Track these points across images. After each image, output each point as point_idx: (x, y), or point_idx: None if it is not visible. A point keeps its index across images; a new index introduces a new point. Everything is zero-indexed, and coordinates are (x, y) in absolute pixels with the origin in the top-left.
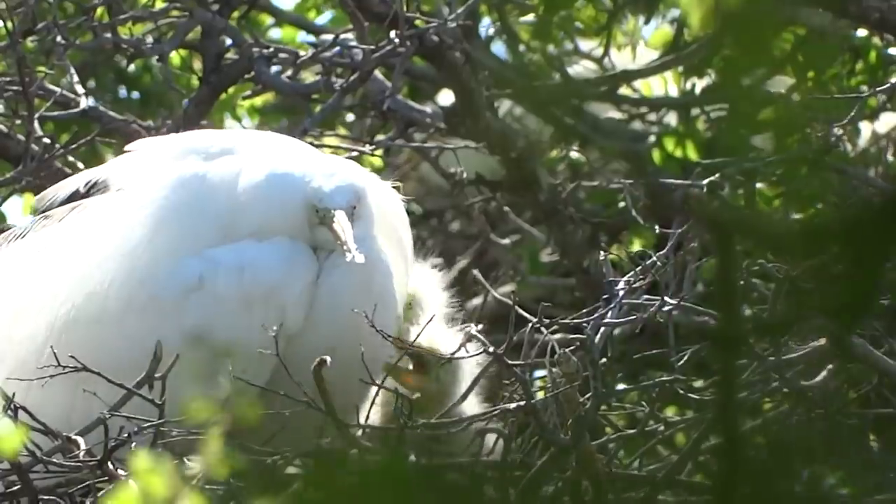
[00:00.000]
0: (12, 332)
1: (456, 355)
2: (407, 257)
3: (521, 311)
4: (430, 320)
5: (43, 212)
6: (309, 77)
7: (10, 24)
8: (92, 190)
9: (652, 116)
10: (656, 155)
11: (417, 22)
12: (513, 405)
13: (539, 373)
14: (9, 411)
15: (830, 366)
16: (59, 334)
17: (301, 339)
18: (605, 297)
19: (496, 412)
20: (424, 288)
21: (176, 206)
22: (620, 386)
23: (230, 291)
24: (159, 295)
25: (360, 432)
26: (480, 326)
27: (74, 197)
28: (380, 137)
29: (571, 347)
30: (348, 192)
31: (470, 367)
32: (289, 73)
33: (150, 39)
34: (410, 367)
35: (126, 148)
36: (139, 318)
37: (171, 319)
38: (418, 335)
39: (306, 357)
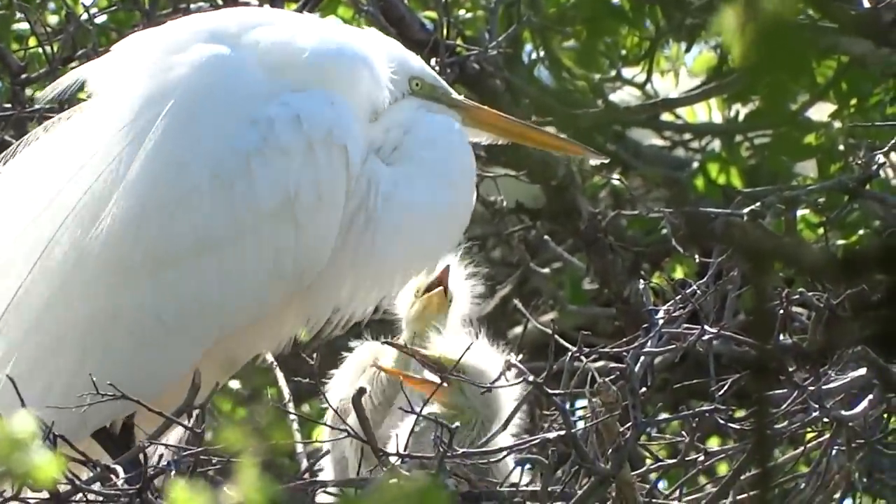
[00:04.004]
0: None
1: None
2: None
3: (560, 340)
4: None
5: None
6: None
7: (49, 51)
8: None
9: (695, 143)
10: (699, 182)
11: (458, 49)
12: (553, 434)
13: (579, 402)
14: (48, 440)
15: (871, 395)
16: (125, 229)
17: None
18: (645, 326)
19: (536, 441)
20: (459, 290)
21: (216, 84)
22: (661, 415)
23: (293, 140)
24: (227, 168)
25: (398, 461)
26: (520, 356)
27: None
28: None
29: (611, 377)
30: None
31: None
32: None
33: None
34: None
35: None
36: (211, 198)
37: (243, 189)
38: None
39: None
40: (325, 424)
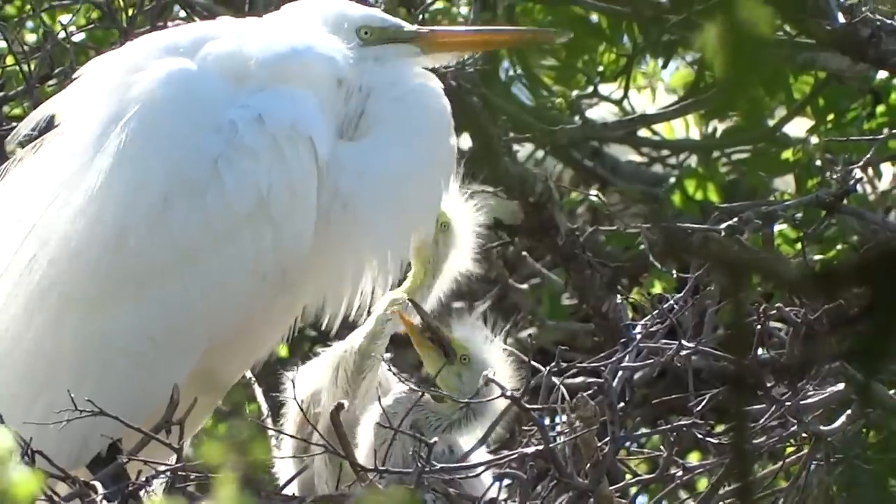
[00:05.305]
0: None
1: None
2: None
3: (534, 363)
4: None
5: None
6: None
7: (27, 69)
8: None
9: (672, 159)
10: (676, 197)
11: None
12: (531, 449)
13: (558, 417)
14: (26, 457)
15: (849, 410)
16: (104, 252)
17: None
18: (623, 340)
19: (514, 456)
20: (457, 214)
21: (176, 96)
22: (640, 430)
23: (258, 140)
24: (196, 177)
25: (377, 476)
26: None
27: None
28: None
29: (590, 391)
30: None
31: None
32: None
33: None
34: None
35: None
36: (185, 210)
37: (215, 196)
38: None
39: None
40: (302, 440)
